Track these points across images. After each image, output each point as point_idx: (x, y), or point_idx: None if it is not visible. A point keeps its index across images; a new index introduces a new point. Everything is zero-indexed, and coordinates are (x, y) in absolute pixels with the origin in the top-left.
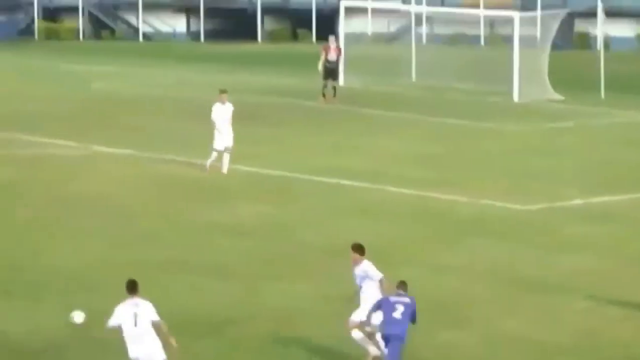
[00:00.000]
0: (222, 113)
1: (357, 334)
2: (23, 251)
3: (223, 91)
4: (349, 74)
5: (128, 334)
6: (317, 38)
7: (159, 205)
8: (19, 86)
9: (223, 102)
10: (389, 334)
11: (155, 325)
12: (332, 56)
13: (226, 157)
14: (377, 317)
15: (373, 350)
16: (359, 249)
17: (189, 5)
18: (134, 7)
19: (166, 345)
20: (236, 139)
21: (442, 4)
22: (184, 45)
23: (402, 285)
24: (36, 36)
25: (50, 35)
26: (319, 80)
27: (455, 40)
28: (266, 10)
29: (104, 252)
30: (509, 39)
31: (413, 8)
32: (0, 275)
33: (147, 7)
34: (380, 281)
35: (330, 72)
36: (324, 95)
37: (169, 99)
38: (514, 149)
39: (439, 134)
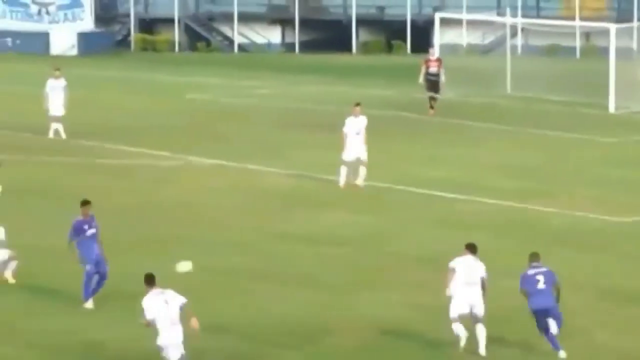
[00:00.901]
0: (354, 126)
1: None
2: (113, 258)
3: (357, 104)
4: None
5: (163, 322)
6: (412, 49)
7: (250, 214)
8: (115, 97)
9: (356, 115)
10: (538, 308)
11: (184, 307)
12: (433, 69)
13: (362, 171)
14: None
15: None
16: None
17: (284, 17)
18: (229, 19)
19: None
20: (331, 148)
21: (538, 16)
22: (278, 57)
23: (535, 256)
24: (132, 48)
25: (146, 47)
26: (414, 93)
27: (550, 51)
28: (361, 22)
29: (195, 260)
30: (604, 51)
31: (508, 19)
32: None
33: (242, 19)
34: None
35: (432, 84)
36: (431, 107)
37: (264, 110)
38: (609, 160)
39: (534, 145)
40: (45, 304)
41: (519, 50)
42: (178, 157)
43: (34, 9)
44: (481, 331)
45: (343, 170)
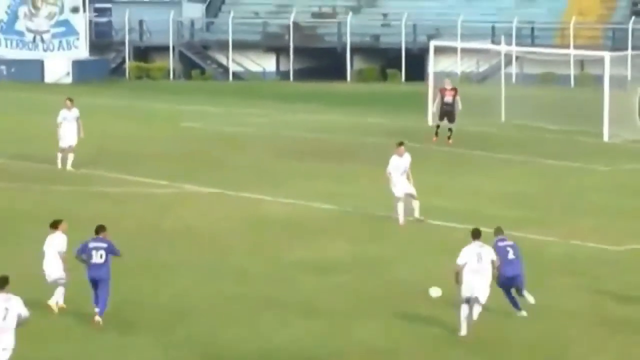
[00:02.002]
0: (399, 165)
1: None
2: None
3: (400, 144)
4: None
5: None
6: (407, 78)
7: (248, 242)
8: (110, 125)
9: (400, 155)
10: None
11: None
12: (448, 99)
13: (415, 204)
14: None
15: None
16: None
17: (279, 45)
18: (224, 47)
19: None
20: (328, 176)
21: (532, 44)
22: (273, 85)
23: (500, 230)
24: (127, 76)
25: (141, 75)
26: (409, 121)
27: (545, 80)
28: (355, 50)
29: (195, 287)
30: (599, 79)
31: (503, 48)
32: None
33: (237, 47)
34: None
35: (447, 113)
36: (436, 134)
37: (259, 138)
38: (604, 188)
39: (529, 173)
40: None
41: (514, 78)
42: (175, 185)
43: (28, 36)
44: (476, 312)
45: (400, 207)
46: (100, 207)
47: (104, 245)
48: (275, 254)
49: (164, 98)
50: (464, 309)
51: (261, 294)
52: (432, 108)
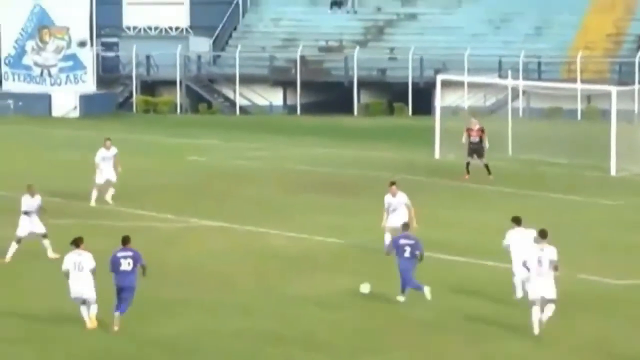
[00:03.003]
0: (392, 203)
1: None
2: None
3: (392, 183)
4: (444, 147)
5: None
6: (413, 112)
7: (253, 276)
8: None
9: (394, 195)
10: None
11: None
12: (474, 138)
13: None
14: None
15: None
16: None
17: (286, 79)
18: (231, 81)
19: None
20: (333, 210)
21: (539, 78)
22: (280, 119)
23: (406, 226)
24: (134, 109)
25: (148, 109)
26: (415, 155)
27: (552, 114)
28: (362, 84)
29: (200, 322)
30: (606, 113)
31: (510, 82)
32: (101, 345)
33: (244, 81)
34: None
35: (474, 150)
36: (467, 172)
37: (265, 172)
38: (611, 223)
39: (535, 207)
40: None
41: (521, 112)
42: (180, 219)
43: (36, 71)
44: (549, 310)
45: (387, 238)
46: (104, 241)
47: (131, 254)
48: (279, 288)
49: (171, 132)
50: (535, 311)
51: (265, 329)
52: (462, 139)
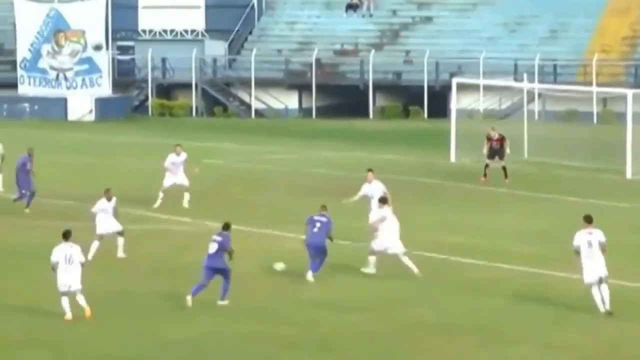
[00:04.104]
0: (369, 192)
1: None
2: (134, 323)
3: (369, 170)
4: (460, 150)
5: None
6: (429, 115)
7: (268, 280)
8: (132, 163)
9: (369, 182)
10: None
11: None
12: (495, 145)
13: None
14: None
15: None
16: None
17: (301, 82)
18: (246, 84)
19: None
20: (349, 213)
21: (555, 81)
22: (295, 122)
23: (324, 208)
24: (150, 113)
25: (163, 112)
26: (430, 158)
27: (568, 117)
28: (378, 87)
29: (217, 326)
30: (622, 116)
31: (525, 85)
32: (116, 347)
33: (260, 84)
34: None
35: (495, 152)
36: (485, 174)
37: (281, 175)
38: (626, 226)
39: (551, 210)
40: None
41: (536, 115)
42: (196, 222)
43: (52, 74)
44: (605, 290)
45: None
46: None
47: (219, 239)
48: (294, 292)
49: (187, 135)
50: (595, 292)
51: (280, 333)
52: (483, 150)
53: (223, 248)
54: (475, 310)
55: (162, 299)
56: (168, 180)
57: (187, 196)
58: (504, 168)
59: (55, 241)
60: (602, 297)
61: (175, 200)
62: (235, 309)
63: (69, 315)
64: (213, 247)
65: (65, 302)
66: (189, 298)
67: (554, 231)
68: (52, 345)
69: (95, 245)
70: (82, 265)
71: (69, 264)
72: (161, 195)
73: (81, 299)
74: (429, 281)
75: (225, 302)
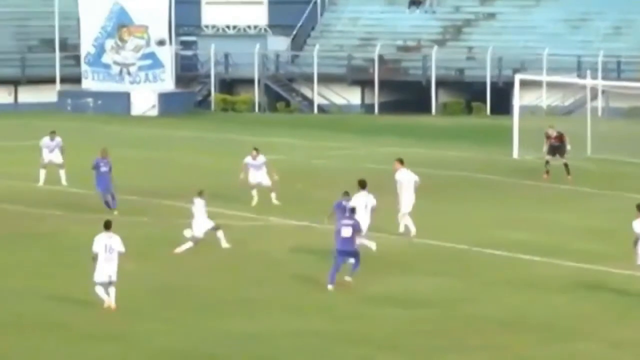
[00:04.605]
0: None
1: None
2: (199, 318)
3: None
4: (522, 147)
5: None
6: (492, 111)
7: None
8: (195, 158)
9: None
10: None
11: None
12: (554, 143)
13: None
14: None
15: None
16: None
17: (364, 78)
18: (309, 80)
19: None
20: (413, 211)
21: (618, 78)
22: (358, 118)
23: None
24: (212, 108)
25: (226, 107)
26: (494, 155)
27: (631, 113)
28: (440, 83)
29: (281, 323)
30: None
31: (589, 82)
32: (181, 342)
33: (322, 80)
34: None
35: (556, 149)
36: (547, 171)
37: (343, 170)
38: None
39: (614, 207)
40: None
41: (600, 112)
42: (260, 217)
43: (115, 69)
44: None
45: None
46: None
47: (352, 222)
48: (359, 288)
49: (249, 131)
50: None
51: (345, 329)
52: (543, 148)
53: (356, 230)
54: (538, 307)
55: (227, 294)
56: (252, 179)
57: (273, 195)
58: (566, 165)
59: (117, 234)
60: None
61: (236, 194)
62: (299, 305)
63: (108, 302)
64: (347, 231)
65: (101, 291)
66: (330, 287)
67: (616, 228)
68: (120, 338)
69: (188, 245)
70: (120, 255)
71: (109, 253)
72: (254, 193)
73: (113, 291)
74: (491, 278)
75: (351, 279)
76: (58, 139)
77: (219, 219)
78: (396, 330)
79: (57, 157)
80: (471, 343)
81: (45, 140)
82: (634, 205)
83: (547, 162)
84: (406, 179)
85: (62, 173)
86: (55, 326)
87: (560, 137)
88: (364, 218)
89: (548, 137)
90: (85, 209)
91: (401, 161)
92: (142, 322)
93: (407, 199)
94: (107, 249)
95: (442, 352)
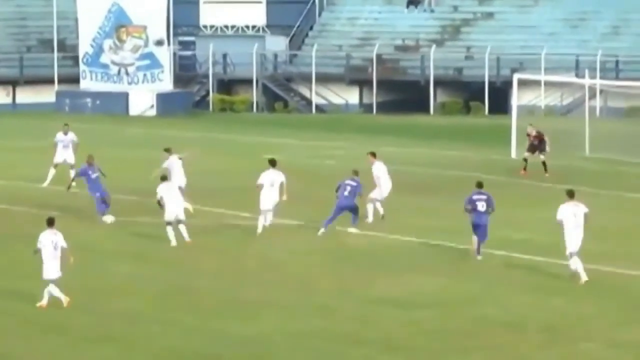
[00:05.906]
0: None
1: None
2: (200, 319)
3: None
4: (521, 146)
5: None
6: (490, 110)
7: (332, 276)
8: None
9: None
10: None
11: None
12: (534, 142)
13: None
14: None
15: None
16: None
17: (362, 78)
18: (307, 80)
19: None
20: (409, 210)
21: (617, 77)
22: (356, 117)
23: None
24: (211, 108)
25: (224, 107)
26: (492, 154)
27: (629, 113)
28: (439, 83)
29: (280, 323)
30: None
31: (587, 81)
32: (182, 344)
33: (320, 80)
34: None
35: (535, 146)
36: (524, 168)
37: (341, 170)
38: None
39: (613, 207)
40: None
41: (598, 111)
42: (257, 217)
43: (113, 69)
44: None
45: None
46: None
47: (484, 197)
48: (358, 289)
49: (247, 130)
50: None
51: (345, 330)
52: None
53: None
54: (540, 307)
55: (226, 296)
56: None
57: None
58: (544, 163)
59: (116, 235)
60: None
61: (234, 194)
62: (299, 306)
63: (65, 299)
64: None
65: (53, 290)
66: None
67: (616, 228)
68: (120, 340)
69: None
70: (64, 251)
71: (54, 250)
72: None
73: (56, 290)
74: (494, 278)
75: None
76: (71, 134)
77: (219, 219)
78: (395, 331)
79: (70, 157)
80: (472, 344)
81: (59, 135)
82: (633, 204)
83: (525, 159)
84: (382, 170)
85: (72, 173)
86: (54, 328)
87: (539, 136)
88: (271, 194)
89: (528, 135)
90: (86, 209)
91: (374, 154)
92: (142, 324)
93: (385, 188)
94: (54, 245)
95: (443, 352)
